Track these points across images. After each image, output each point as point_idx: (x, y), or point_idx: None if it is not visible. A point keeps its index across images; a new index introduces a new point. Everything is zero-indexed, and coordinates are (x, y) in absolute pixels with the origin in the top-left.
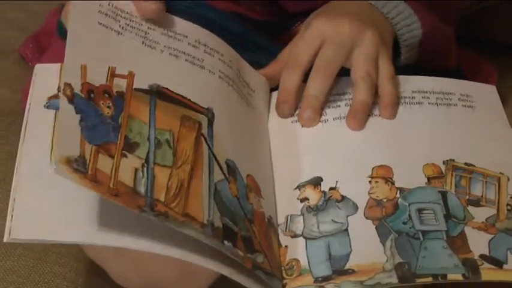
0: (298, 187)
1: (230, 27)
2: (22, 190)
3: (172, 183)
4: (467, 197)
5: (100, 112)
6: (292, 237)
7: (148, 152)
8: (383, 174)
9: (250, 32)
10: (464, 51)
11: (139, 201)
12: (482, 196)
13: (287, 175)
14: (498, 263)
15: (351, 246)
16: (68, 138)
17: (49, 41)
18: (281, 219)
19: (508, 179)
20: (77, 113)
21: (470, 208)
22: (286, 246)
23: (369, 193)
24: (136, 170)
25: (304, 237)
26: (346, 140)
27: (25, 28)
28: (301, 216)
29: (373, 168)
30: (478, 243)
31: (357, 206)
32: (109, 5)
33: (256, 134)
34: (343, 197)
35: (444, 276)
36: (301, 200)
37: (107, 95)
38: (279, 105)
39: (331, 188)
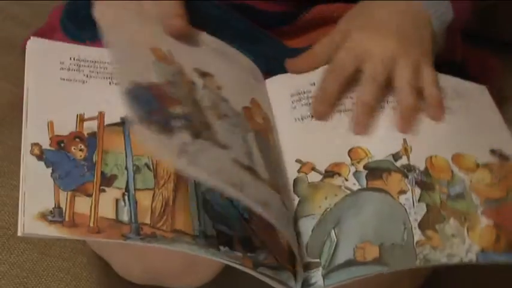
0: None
1: (233, 23)
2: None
3: (157, 203)
4: None
5: (72, 157)
6: None
7: (127, 181)
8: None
9: (254, 27)
10: (470, 48)
11: (123, 230)
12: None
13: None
14: None
15: None
16: (39, 193)
17: (52, 37)
18: None
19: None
20: (47, 167)
21: None
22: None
23: None
24: (117, 200)
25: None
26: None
27: (29, 24)
28: None
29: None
30: None
31: None
32: (71, 59)
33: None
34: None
35: None
36: None
37: (77, 139)
38: (317, 106)
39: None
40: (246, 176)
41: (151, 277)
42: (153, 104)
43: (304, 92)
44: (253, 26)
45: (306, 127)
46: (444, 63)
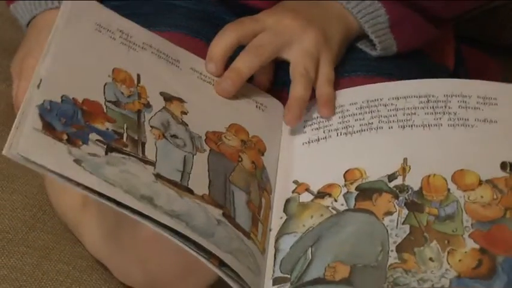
0: None
1: (229, 20)
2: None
3: None
4: None
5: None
6: None
7: None
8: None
9: None
10: (471, 49)
11: None
12: None
13: None
14: None
15: None
16: None
17: None
18: None
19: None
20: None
21: None
22: None
23: None
24: None
25: None
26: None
27: None
28: None
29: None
30: None
31: None
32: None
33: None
34: None
35: None
36: None
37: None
38: (208, 63)
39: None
40: (164, 189)
41: (152, 282)
42: (75, 118)
43: (317, 117)
44: None
45: (310, 150)
46: (434, 66)
